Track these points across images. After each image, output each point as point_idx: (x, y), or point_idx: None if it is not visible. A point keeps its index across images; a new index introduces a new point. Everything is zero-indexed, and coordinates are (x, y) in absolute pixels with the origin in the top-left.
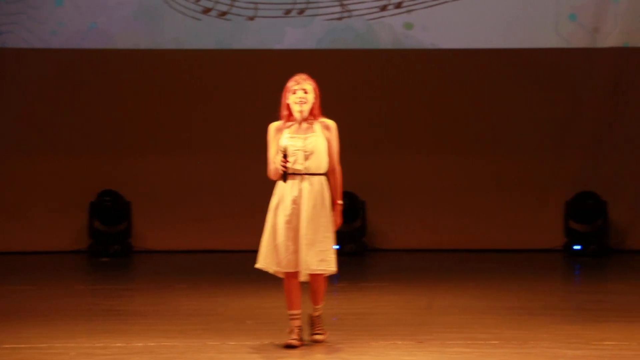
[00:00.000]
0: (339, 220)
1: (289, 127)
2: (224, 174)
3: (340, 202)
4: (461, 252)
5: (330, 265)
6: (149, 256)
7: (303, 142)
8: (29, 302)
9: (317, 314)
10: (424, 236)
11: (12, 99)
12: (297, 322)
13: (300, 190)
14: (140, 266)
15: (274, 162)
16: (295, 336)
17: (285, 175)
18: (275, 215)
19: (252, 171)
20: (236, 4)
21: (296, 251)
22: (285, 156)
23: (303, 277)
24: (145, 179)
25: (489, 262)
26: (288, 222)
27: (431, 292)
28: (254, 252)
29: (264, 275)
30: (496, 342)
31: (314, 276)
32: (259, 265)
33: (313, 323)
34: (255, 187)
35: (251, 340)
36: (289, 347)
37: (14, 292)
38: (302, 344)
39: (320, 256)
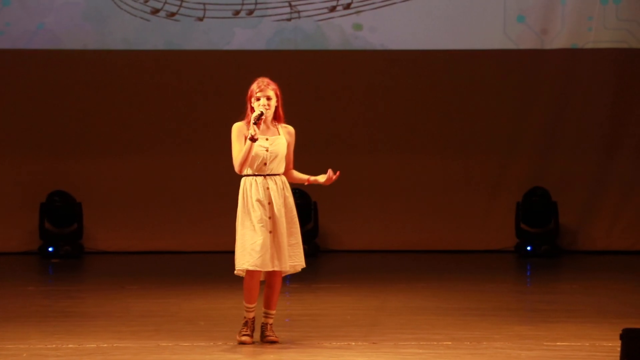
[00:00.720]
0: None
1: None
2: (174, 175)
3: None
4: (413, 253)
5: (302, 260)
6: (100, 257)
7: (269, 144)
8: None
9: (270, 321)
10: (375, 237)
11: None
12: (252, 314)
13: (266, 190)
14: (91, 267)
15: (257, 109)
16: (248, 331)
17: (260, 116)
18: (247, 217)
19: (203, 172)
20: (185, 4)
21: (269, 250)
22: (259, 116)
23: (263, 276)
24: (96, 180)
25: (441, 263)
26: (260, 221)
27: (383, 293)
28: (206, 254)
29: (216, 276)
30: (449, 342)
31: (274, 275)
32: (237, 269)
33: (265, 329)
34: (207, 188)
35: (204, 341)
36: (243, 343)
37: None
38: (253, 341)
39: (293, 252)
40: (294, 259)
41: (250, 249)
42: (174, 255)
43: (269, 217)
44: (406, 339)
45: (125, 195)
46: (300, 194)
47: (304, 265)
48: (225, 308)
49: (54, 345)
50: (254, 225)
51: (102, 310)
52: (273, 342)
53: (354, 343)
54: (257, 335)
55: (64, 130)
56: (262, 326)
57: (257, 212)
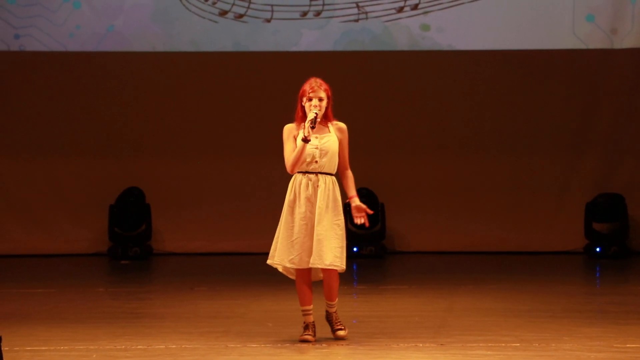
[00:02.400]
0: (362, 207)
1: (303, 128)
2: (242, 177)
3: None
4: (481, 255)
5: (342, 263)
6: (168, 258)
7: (319, 141)
8: (49, 305)
9: (333, 310)
10: (443, 238)
11: (31, 102)
12: (310, 318)
13: (314, 189)
14: (160, 269)
15: (310, 112)
16: (309, 332)
17: (314, 121)
18: (290, 212)
19: (270, 173)
20: (253, 6)
21: (309, 248)
22: (314, 119)
23: (316, 277)
24: (164, 182)
25: (509, 265)
26: (303, 219)
27: (451, 294)
28: None
29: (284, 277)
30: (518, 344)
31: (328, 272)
32: (272, 261)
33: (331, 319)
34: (274, 189)
35: (272, 342)
36: (304, 342)
37: (35, 295)
38: (315, 340)
39: (334, 252)
40: (337, 261)
41: (289, 246)
42: (242, 256)
43: (313, 216)
44: (474, 340)
45: (193, 197)
46: (368, 195)
47: (344, 269)
48: (293, 309)
49: (123, 346)
50: (296, 222)
51: (170, 312)
52: (342, 338)
53: (421, 344)
54: (323, 333)
55: (132, 132)
56: (327, 317)
57: (302, 209)
